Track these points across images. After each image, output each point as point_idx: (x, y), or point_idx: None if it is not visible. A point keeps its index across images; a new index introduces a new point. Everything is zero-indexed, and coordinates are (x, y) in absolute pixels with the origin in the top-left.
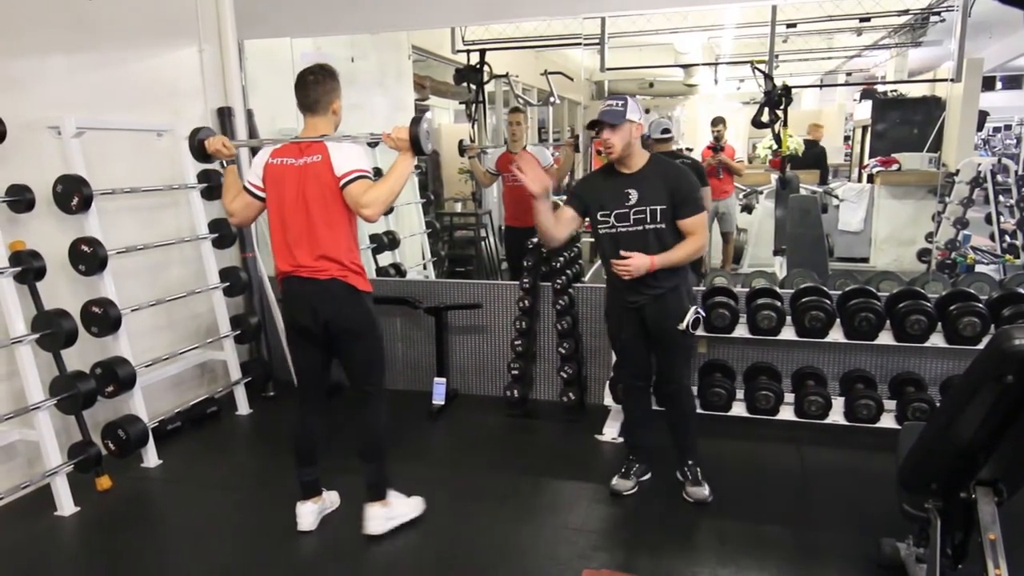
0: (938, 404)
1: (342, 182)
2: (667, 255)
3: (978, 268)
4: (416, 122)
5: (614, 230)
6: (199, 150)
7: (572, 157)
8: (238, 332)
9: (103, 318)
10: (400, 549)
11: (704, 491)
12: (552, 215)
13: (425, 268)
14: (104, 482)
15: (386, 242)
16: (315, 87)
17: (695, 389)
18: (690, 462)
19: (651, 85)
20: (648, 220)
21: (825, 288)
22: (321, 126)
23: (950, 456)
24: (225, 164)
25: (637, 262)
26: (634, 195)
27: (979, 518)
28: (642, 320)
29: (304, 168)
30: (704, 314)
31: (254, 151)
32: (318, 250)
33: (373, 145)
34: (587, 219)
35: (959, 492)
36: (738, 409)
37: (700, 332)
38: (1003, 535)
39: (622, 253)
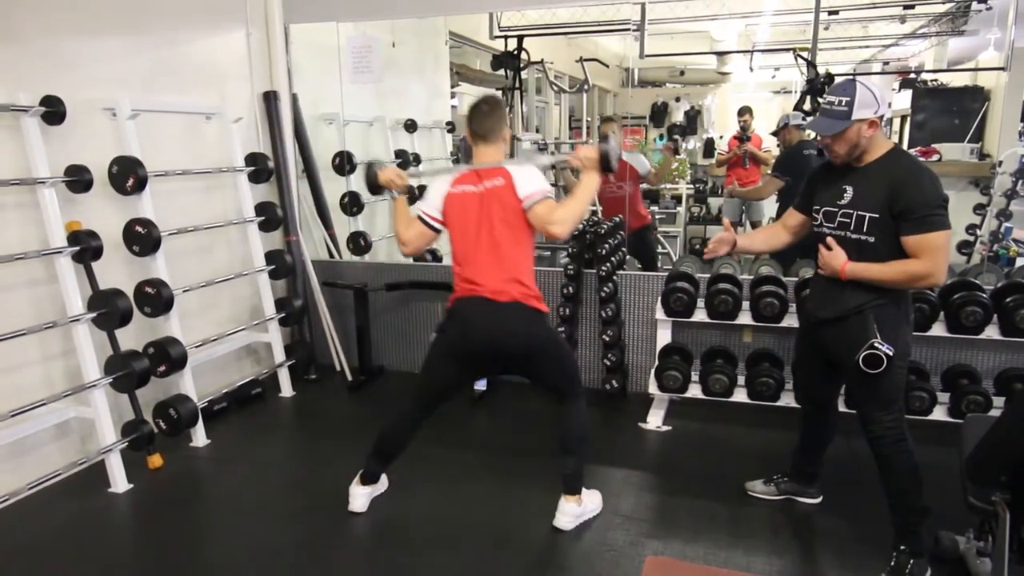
0: (992, 394)
1: (526, 203)
2: (866, 266)
3: (1020, 261)
4: (604, 139)
5: (821, 229)
6: (372, 181)
7: (671, 161)
8: (282, 315)
9: (156, 298)
10: (453, 531)
11: None
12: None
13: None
14: (156, 460)
15: None
16: (489, 116)
17: (741, 379)
18: (902, 547)
19: (682, 73)
20: (852, 227)
21: None
22: (494, 153)
23: None
24: (396, 195)
25: (836, 257)
26: (849, 193)
27: None
28: (820, 341)
29: (486, 193)
30: (891, 352)
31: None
32: (503, 273)
33: (411, 129)
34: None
35: None
36: (787, 399)
37: (888, 373)
38: None
39: (829, 241)
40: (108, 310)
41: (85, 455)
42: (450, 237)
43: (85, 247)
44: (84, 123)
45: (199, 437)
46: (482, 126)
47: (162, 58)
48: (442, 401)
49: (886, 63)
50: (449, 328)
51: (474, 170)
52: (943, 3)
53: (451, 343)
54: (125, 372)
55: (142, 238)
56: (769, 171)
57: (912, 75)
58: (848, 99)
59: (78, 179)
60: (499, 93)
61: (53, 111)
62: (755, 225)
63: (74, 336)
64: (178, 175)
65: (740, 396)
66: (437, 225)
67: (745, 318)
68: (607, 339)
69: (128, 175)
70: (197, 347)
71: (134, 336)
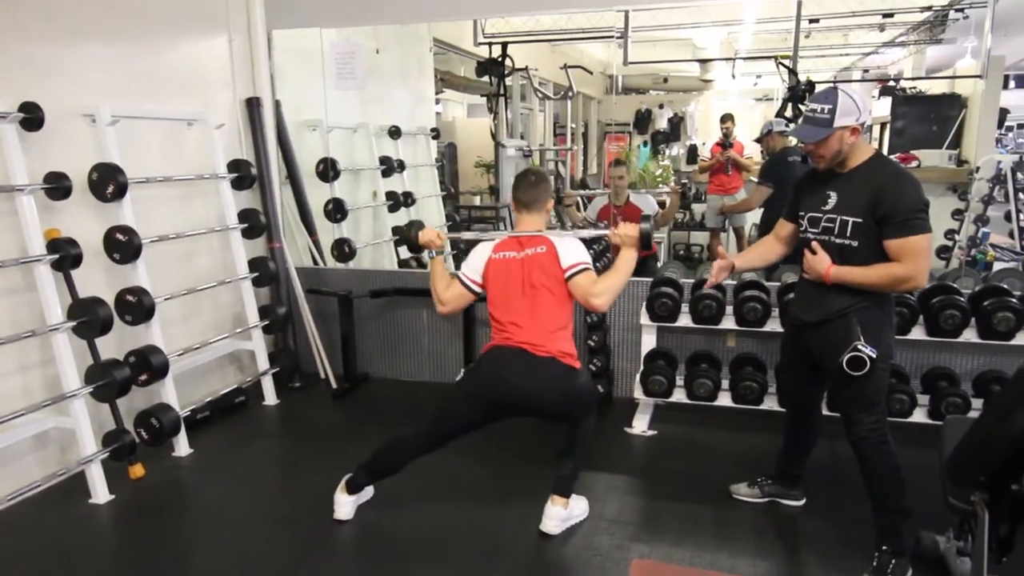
0: (971, 396)
1: (568, 273)
2: (850, 270)
3: (997, 265)
4: (646, 219)
5: (806, 235)
6: (412, 242)
7: (677, 203)
8: (266, 323)
9: (137, 306)
10: (438, 537)
11: None
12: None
13: (445, 260)
14: (137, 470)
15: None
16: (535, 187)
17: (726, 383)
18: (884, 547)
19: (665, 80)
20: (836, 232)
21: None
22: (537, 221)
23: (1003, 448)
24: (434, 254)
25: (820, 261)
26: (833, 199)
27: None
28: (805, 345)
29: (528, 259)
30: (875, 355)
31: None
32: (543, 328)
33: (395, 136)
34: None
35: (1010, 484)
36: (770, 403)
37: (871, 376)
38: None
39: (813, 245)
40: (88, 319)
41: (65, 466)
42: (488, 295)
43: (64, 255)
44: (63, 129)
45: (182, 447)
46: (527, 195)
47: (143, 64)
48: (451, 439)
49: (866, 71)
50: (482, 374)
51: (515, 237)
52: (921, 12)
53: (481, 389)
54: (106, 381)
55: (123, 245)
56: (752, 178)
57: (891, 83)
58: (830, 107)
59: (57, 186)
60: (542, 169)
61: (31, 117)
62: (738, 231)
63: (53, 345)
64: (159, 182)
65: (724, 400)
66: (477, 288)
67: (729, 323)
68: (592, 344)
69: (108, 182)
70: (179, 355)
71: (115, 345)
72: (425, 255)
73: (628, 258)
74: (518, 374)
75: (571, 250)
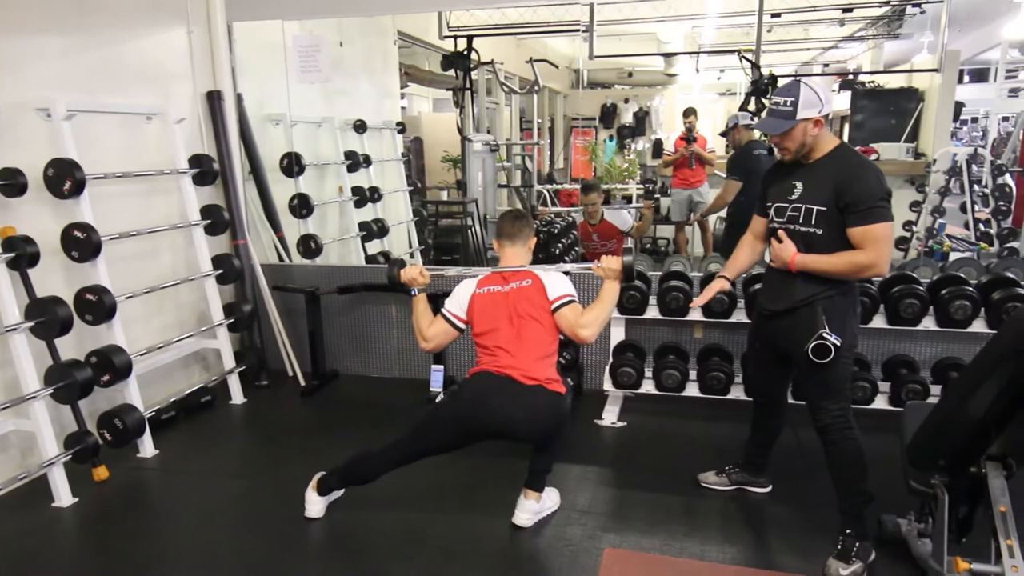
0: (930, 383)
1: (555, 305)
2: (814, 258)
3: (953, 255)
4: (628, 252)
5: (773, 225)
6: (393, 280)
7: (651, 218)
8: (231, 320)
9: (98, 305)
10: (410, 532)
11: (843, 572)
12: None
13: (412, 256)
14: (101, 472)
15: (375, 230)
16: (520, 222)
17: (693, 374)
18: (848, 531)
19: (631, 75)
20: (801, 221)
21: None
22: (521, 255)
23: (962, 432)
24: (416, 292)
25: (785, 249)
26: (799, 188)
27: (989, 492)
28: (771, 333)
29: (514, 293)
30: (839, 343)
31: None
32: (528, 358)
33: (361, 130)
34: None
35: (968, 467)
36: (736, 392)
37: (837, 363)
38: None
39: (780, 234)
40: (46, 319)
41: (26, 469)
42: (473, 327)
43: (20, 253)
44: (17, 125)
45: (147, 447)
46: (512, 228)
47: (99, 57)
48: (424, 457)
49: (826, 65)
50: (466, 400)
51: (499, 272)
52: (879, 7)
53: (463, 414)
54: (66, 383)
55: (81, 243)
56: (717, 172)
57: (851, 76)
58: (793, 99)
59: (11, 183)
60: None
61: None
62: (702, 224)
63: (11, 346)
64: (118, 178)
65: (692, 390)
66: (461, 324)
67: (696, 314)
68: (561, 338)
69: (65, 178)
70: (142, 355)
71: (75, 345)
72: (411, 292)
73: (612, 289)
74: (503, 403)
75: (557, 283)
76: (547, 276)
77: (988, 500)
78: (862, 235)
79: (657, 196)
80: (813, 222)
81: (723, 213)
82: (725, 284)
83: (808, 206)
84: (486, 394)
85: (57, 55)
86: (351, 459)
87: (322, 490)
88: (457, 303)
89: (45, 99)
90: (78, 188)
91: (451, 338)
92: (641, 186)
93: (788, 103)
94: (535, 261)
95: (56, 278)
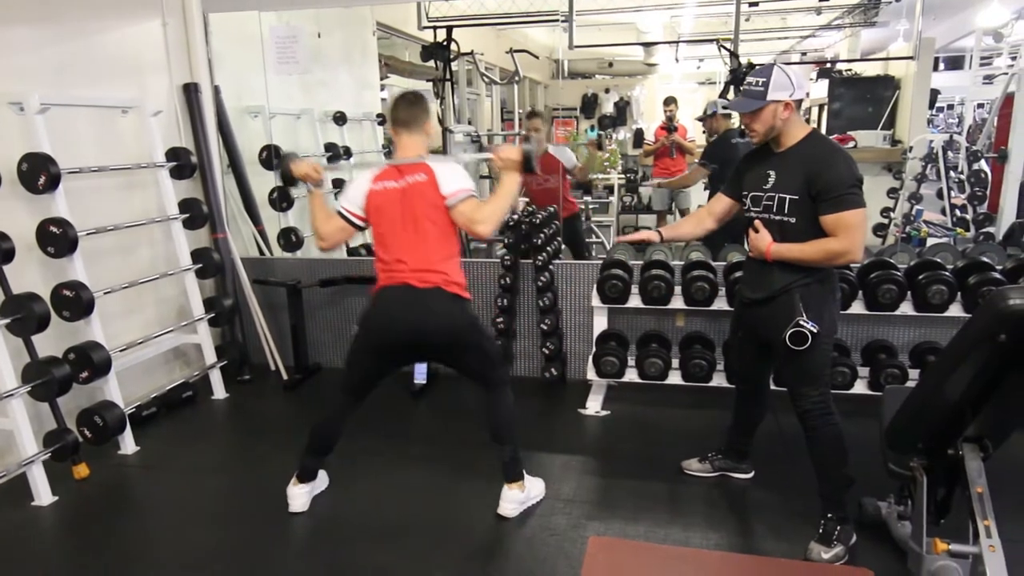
0: (908, 367)
1: (449, 200)
2: (789, 247)
3: (930, 241)
4: (527, 140)
5: (750, 214)
6: (286, 173)
7: (596, 155)
8: (212, 315)
9: (75, 301)
10: (395, 524)
11: (825, 555)
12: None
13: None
14: (82, 470)
15: None
16: (414, 105)
17: (676, 362)
18: (829, 515)
19: (611, 65)
20: (775, 210)
21: None
22: (416, 144)
23: (939, 415)
24: (311, 188)
25: (761, 239)
26: (772, 177)
27: (966, 473)
28: (751, 321)
29: (408, 188)
30: (816, 330)
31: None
32: (425, 264)
33: (340, 122)
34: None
35: (946, 449)
36: (719, 380)
37: (815, 350)
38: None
39: (756, 224)
40: (23, 315)
41: (5, 468)
42: (372, 232)
43: None
44: None
45: (128, 444)
46: (406, 112)
47: (73, 49)
48: (368, 391)
49: (804, 53)
50: (370, 321)
51: (395, 165)
52: None
53: (372, 336)
54: (44, 380)
55: (57, 239)
56: (697, 162)
57: (828, 65)
58: (764, 80)
59: None
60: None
61: None
62: (683, 213)
63: None
64: (94, 172)
65: (675, 379)
66: (358, 221)
67: (678, 303)
68: (545, 328)
69: (39, 173)
70: (122, 351)
71: (53, 342)
72: (303, 189)
73: (510, 182)
74: (402, 309)
75: (452, 176)
76: (441, 169)
77: (966, 482)
78: (835, 223)
79: (600, 133)
80: (787, 211)
81: (704, 200)
82: (654, 236)
83: (781, 195)
84: (386, 305)
85: (30, 47)
86: (311, 431)
87: (303, 477)
88: (351, 199)
89: (18, 92)
90: (53, 183)
91: (348, 235)
92: (623, 176)
93: (760, 83)
94: (523, 254)
95: (32, 274)
